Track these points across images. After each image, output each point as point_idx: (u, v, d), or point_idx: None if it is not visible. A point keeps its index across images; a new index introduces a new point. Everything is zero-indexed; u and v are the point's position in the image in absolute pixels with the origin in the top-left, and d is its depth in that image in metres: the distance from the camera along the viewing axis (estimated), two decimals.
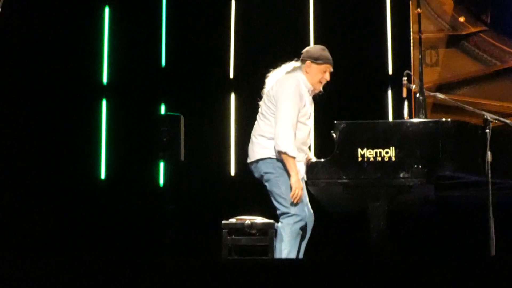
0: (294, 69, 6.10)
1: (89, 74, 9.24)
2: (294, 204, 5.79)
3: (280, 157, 5.83)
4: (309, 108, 6.11)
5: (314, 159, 6.06)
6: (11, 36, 7.78)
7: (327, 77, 6.09)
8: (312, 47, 6.27)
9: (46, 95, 8.79)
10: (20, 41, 8.39)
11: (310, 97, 6.13)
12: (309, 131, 6.16)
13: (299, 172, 5.85)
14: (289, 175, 5.79)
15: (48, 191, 8.60)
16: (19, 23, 7.82)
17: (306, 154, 6.04)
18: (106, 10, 9.30)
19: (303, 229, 5.87)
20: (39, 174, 8.65)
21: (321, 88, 6.14)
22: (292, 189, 5.77)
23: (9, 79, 8.34)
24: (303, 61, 6.08)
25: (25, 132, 8.50)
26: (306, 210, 5.98)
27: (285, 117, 5.86)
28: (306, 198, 6.05)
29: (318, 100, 6.29)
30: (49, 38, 8.77)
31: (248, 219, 6.25)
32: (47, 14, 8.68)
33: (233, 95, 9.28)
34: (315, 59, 6.03)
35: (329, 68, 6.10)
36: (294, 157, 5.80)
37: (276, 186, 5.87)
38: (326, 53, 6.10)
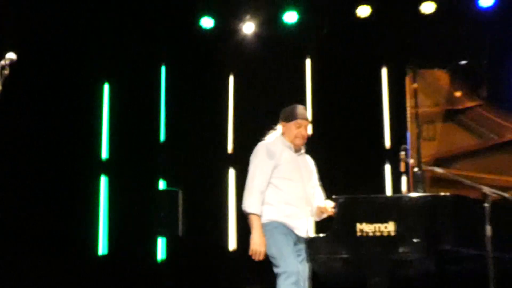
0: (271, 135, 6.21)
1: (88, 150, 9.27)
2: (284, 261, 5.74)
3: (249, 218, 5.91)
4: (288, 165, 6.09)
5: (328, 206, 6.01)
6: (14, 114, 7.80)
7: (302, 131, 6.12)
8: (285, 109, 6.28)
9: (46, 171, 8.78)
10: (22, 118, 8.41)
11: (294, 154, 6.13)
12: (302, 186, 6.06)
13: (298, 228, 5.87)
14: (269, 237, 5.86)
15: (48, 269, 8.51)
16: (22, 99, 7.86)
17: (310, 209, 6.00)
18: (106, 86, 9.36)
19: (296, 283, 5.77)
20: (39, 251, 8.57)
21: (301, 142, 6.15)
22: (252, 247, 5.82)
23: (10, 158, 8.34)
24: (280, 124, 6.18)
25: (28, 209, 8.44)
26: (298, 265, 5.85)
27: (249, 180, 6.00)
28: (301, 252, 5.93)
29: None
30: (49, 113, 8.79)
31: None
32: (48, 89, 8.72)
33: (231, 170, 9.29)
34: (285, 119, 6.11)
35: (301, 123, 6.14)
36: (256, 215, 5.87)
37: (268, 249, 5.82)
38: (296, 110, 6.18)
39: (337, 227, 5.66)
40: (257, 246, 5.78)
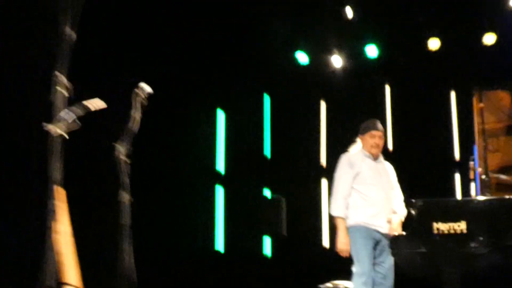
0: (354, 147, 6.17)
1: (208, 165, 9.40)
2: (359, 262, 5.70)
3: (335, 220, 5.89)
4: (369, 172, 6.01)
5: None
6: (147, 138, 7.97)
7: (376, 141, 6.05)
8: (361, 124, 6.24)
9: (175, 182, 8.92)
10: (154, 140, 8.54)
11: (373, 162, 6.04)
12: (382, 189, 5.95)
13: (381, 227, 5.79)
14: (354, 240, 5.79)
15: (176, 262, 8.61)
16: (153, 124, 8.03)
17: (390, 211, 5.90)
18: (219, 113, 9.47)
19: (365, 283, 5.67)
20: (170, 248, 8.68)
21: (376, 151, 6.05)
22: (338, 246, 5.79)
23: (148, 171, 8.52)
24: (358, 137, 6.15)
25: (156, 212, 8.57)
26: (371, 267, 5.75)
27: (334, 188, 5.97)
28: (384, 248, 5.84)
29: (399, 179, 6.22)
30: (177, 134, 8.95)
31: (340, 283, 6.18)
32: (172, 117, 8.86)
33: (324, 180, 9.27)
34: (362, 132, 6.08)
35: (375, 134, 6.07)
36: (341, 218, 5.83)
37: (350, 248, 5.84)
38: (368, 124, 6.13)
39: (416, 226, 5.59)
40: (342, 245, 5.76)
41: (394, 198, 6.03)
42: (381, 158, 6.13)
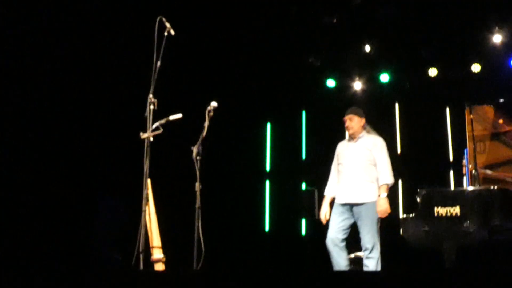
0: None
1: (258, 164, 9.44)
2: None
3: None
4: (342, 153, 5.67)
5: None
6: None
7: (346, 124, 5.71)
8: None
9: (235, 176, 8.95)
10: (222, 147, 8.56)
11: (350, 143, 5.67)
12: (348, 166, 5.57)
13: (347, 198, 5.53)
14: None
15: (230, 241, 8.61)
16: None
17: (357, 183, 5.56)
18: (268, 125, 9.50)
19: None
20: (226, 226, 8.70)
21: (351, 132, 5.65)
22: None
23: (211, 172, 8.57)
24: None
25: (220, 199, 8.59)
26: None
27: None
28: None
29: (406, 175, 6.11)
30: (236, 142, 9.00)
31: (360, 253, 6.11)
32: (234, 127, 8.89)
33: None
34: None
35: (344, 119, 5.74)
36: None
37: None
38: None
39: (421, 209, 5.53)
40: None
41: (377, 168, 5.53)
42: (362, 137, 5.68)
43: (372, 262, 5.41)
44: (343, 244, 5.55)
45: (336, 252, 5.50)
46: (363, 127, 5.75)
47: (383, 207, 5.44)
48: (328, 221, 5.66)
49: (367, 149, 5.59)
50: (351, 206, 5.53)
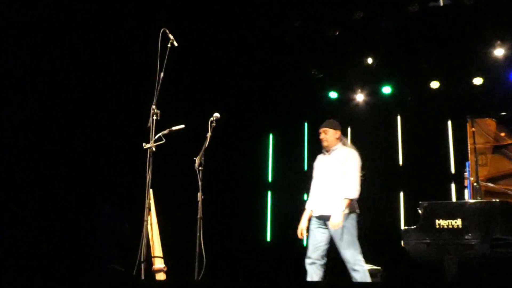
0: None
1: (260, 176, 9.43)
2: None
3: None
4: (317, 166, 5.57)
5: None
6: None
7: (320, 136, 5.61)
8: None
9: (237, 186, 8.94)
10: (224, 158, 8.57)
11: (324, 156, 5.56)
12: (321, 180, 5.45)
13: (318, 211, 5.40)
14: None
15: (232, 252, 8.59)
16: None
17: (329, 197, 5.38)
18: (270, 136, 9.50)
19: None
20: (229, 240, 8.68)
21: (325, 144, 5.52)
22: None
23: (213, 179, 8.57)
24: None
25: (222, 209, 8.58)
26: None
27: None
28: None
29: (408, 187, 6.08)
30: (239, 153, 9.00)
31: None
32: (237, 139, 8.90)
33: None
34: None
35: (319, 132, 5.65)
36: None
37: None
38: None
39: (422, 222, 5.51)
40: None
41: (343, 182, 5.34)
42: (335, 150, 5.56)
43: (358, 275, 5.20)
44: (320, 262, 5.36)
45: (312, 270, 5.32)
46: (339, 139, 5.63)
47: (338, 220, 5.18)
48: (307, 237, 5.51)
49: (339, 162, 5.46)
50: (325, 220, 5.37)
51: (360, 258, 5.23)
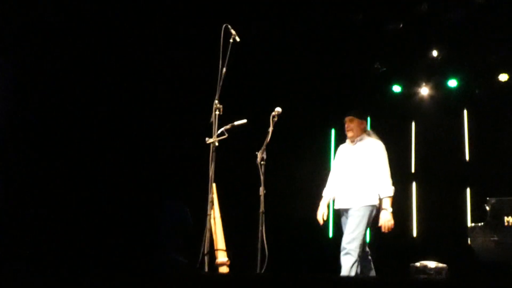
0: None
1: (321, 170, 9.31)
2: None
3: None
4: (340, 156, 5.44)
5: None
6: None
7: (346, 125, 5.49)
8: None
9: (294, 180, 8.89)
10: (287, 153, 8.56)
11: (349, 146, 5.44)
12: (346, 171, 5.32)
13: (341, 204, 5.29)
14: None
15: (295, 246, 8.57)
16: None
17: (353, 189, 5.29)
18: (332, 131, 9.42)
19: None
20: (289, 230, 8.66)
21: (350, 134, 5.40)
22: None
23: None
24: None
25: (278, 204, 8.56)
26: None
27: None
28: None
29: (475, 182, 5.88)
30: (301, 147, 8.96)
31: (427, 263, 5.98)
32: (301, 134, 8.86)
33: (413, 184, 8.99)
34: None
35: (344, 121, 5.52)
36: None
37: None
38: None
39: (490, 219, 5.37)
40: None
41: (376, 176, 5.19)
42: (361, 141, 5.43)
43: (347, 265, 5.07)
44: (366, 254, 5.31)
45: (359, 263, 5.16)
46: (364, 130, 5.50)
47: (388, 220, 5.13)
48: (325, 222, 5.41)
49: (365, 153, 5.32)
50: (345, 212, 5.28)
51: (358, 251, 5.09)
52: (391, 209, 5.16)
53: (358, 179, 5.22)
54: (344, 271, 5.01)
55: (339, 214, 5.40)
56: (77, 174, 6.34)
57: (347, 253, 5.05)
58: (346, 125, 5.47)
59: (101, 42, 6.73)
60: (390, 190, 5.16)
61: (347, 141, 5.49)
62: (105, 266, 5.66)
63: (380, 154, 5.29)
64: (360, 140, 5.39)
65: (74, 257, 5.79)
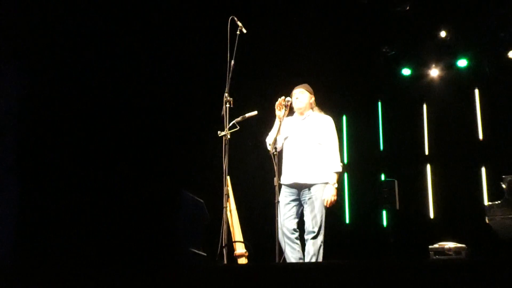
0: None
1: None
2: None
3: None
4: (288, 130, 5.29)
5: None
6: None
7: (295, 96, 5.35)
8: None
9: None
10: None
11: (297, 119, 5.35)
12: (296, 145, 5.21)
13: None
14: None
15: None
16: None
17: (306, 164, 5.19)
18: (344, 117, 9.38)
19: None
20: None
21: (299, 107, 5.31)
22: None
23: None
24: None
25: None
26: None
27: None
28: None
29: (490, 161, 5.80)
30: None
31: (446, 244, 5.95)
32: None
33: (428, 166, 8.96)
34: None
35: (293, 93, 5.39)
36: None
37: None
38: None
39: (508, 196, 5.32)
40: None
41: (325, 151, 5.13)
42: (310, 115, 5.35)
43: (315, 247, 5.01)
44: (295, 235, 5.14)
45: (287, 245, 5.04)
46: (312, 105, 5.43)
47: (333, 195, 5.07)
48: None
49: (315, 128, 5.27)
50: (299, 189, 5.18)
51: (323, 231, 5.06)
52: (336, 185, 5.10)
53: (313, 155, 5.17)
54: (314, 255, 4.96)
55: (292, 188, 5.20)
56: (91, 170, 6.36)
57: (316, 236, 5.02)
58: (295, 97, 5.34)
59: (113, 38, 6.73)
60: (338, 166, 5.13)
61: (295, 114, 5.39)
62: (124, 262, 5.70)
63: (332, 129, 5.29)
64: (310, 115, 5.36)
65: (92, 254, 5.83)
